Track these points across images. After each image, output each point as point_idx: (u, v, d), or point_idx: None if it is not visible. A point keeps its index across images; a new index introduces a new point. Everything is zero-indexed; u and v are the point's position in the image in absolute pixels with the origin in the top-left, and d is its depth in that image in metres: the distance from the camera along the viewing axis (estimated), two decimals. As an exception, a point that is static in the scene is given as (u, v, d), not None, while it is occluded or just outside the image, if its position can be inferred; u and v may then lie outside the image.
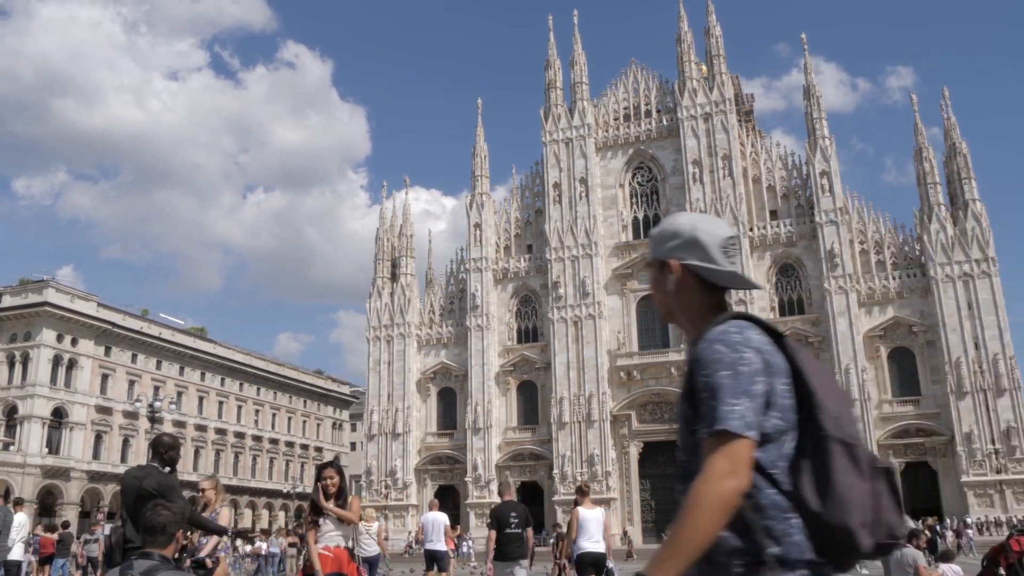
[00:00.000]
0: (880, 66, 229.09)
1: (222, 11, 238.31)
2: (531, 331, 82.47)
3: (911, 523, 16.38)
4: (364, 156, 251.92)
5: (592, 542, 13.97)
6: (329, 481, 9.18)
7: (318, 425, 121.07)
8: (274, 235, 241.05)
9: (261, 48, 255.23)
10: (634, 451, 75.61)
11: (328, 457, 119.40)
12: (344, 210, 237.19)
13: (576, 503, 14.64)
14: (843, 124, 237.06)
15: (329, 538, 9.11)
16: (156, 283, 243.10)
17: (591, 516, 14.16)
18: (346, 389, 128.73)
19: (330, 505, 9.15)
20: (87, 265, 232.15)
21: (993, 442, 66.05)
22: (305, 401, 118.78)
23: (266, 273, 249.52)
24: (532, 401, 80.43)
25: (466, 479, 78.42)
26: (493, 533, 14.61)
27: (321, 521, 9.11)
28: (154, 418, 55.65)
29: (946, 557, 14.18)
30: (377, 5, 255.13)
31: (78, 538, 26.90)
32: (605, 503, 72.59)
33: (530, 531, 14.88)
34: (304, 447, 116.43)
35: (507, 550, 14.46)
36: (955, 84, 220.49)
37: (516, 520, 14.53)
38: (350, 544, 9.26)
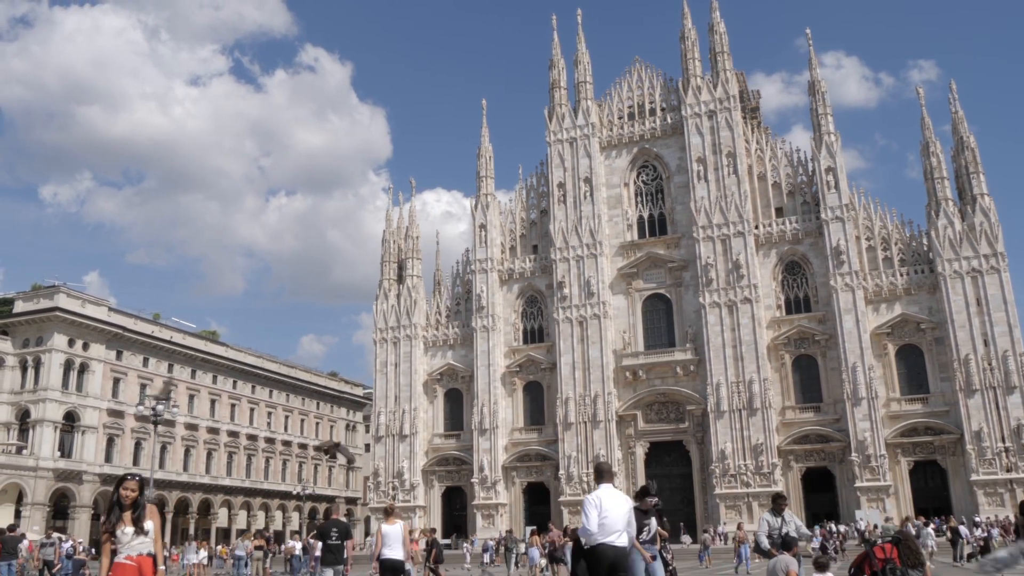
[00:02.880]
0: (902, 60, 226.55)
1: (244, 17, 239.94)
2: (537, 331, 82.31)
3: (805, 529, 16.06)
4: (385, 158, 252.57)
5: (392, 551, 17.14)
6: (129, 492, 9.22)
7: (331, 427, 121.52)
8: (297, 238, 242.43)
9: (281, 52, 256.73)
10: (640, 451, 75.25)
11: (341, 460, 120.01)
12: (366, 212, 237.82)
13: (387, 516, 18.15)
14: (866, 120, 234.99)
15: (131, 547, 9.09)
16: (181, 288, 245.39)
17: (391, 530, 17.35)
18: (359, 391, 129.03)
19: (127, 516, 9.18)
20: (112, 270, 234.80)
21: (1003, 440, 65.06)
22: (318, 403, 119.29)
23: (289, 276, 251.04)
24: (538, 402, 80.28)
25: (472, 480, 78.35)
26: (318, 543, 18.82)
27: (119, 531, 9.13)
28: (157, 420, 56.01)
29: (820, 566, 13.82)
30: (392, 6, 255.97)
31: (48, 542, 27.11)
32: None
33: (348, 543, 18.37)
34: (317, 449, 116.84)
35: (327, 557, 18.02)
36: (976, 78, 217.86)
37: (336, 534, 18.18)
38: (153, 550, 9.24)
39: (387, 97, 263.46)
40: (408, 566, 18.01)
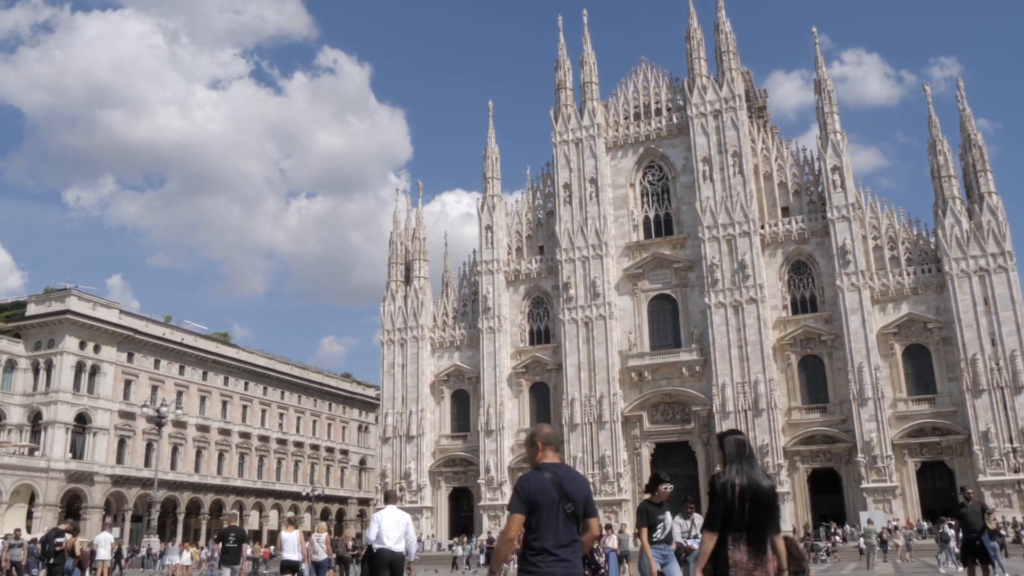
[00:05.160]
0: (923, 58, 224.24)
1: (265, 20, 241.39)
2: (543, 332, 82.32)
3: (692, 542, 16.20)
4: (405, 160, 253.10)
5: (291, 553, 21.16)
6: None
7: (343, 428, 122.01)
8: (318, 240, 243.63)
9: (300, 55, 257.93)
10: (646, 452, 75.07)
11: (353, 460, 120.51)
12: (386, 214, 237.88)
13: (294, 527, 22.37)
14: (887, 117, 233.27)
15: None
16: (202, 290, 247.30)
17: (289, 537, 21.38)
18: (372, 392, 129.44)
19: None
20: (135, 273, 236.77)
21: (1011, 441, 64.41)
22: (330, 404, 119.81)
23: (310, 278, 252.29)
24: (544, 403, 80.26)
25: (479, 481, 78.47)
26: (219, 545, 22.15)
27: None
28: (161, 422, 56.59)
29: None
30: (407, 6, 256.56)
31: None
32: (616, 505, 72.44)
33: (244, 546, 22.51)
34: (329, 450, 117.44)
35: (225, 558, 21.83)
36: (996, 75, 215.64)
37: (233, 538, 21.87)
38: None
39: (406, 98, 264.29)
40: (303, 566, 22.07)
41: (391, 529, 14.96)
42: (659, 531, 13.45)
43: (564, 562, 6.63)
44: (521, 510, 6.72)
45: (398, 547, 14.91)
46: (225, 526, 22.82)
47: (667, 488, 13.47)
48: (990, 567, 19.07)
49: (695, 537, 15.14)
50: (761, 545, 6.89)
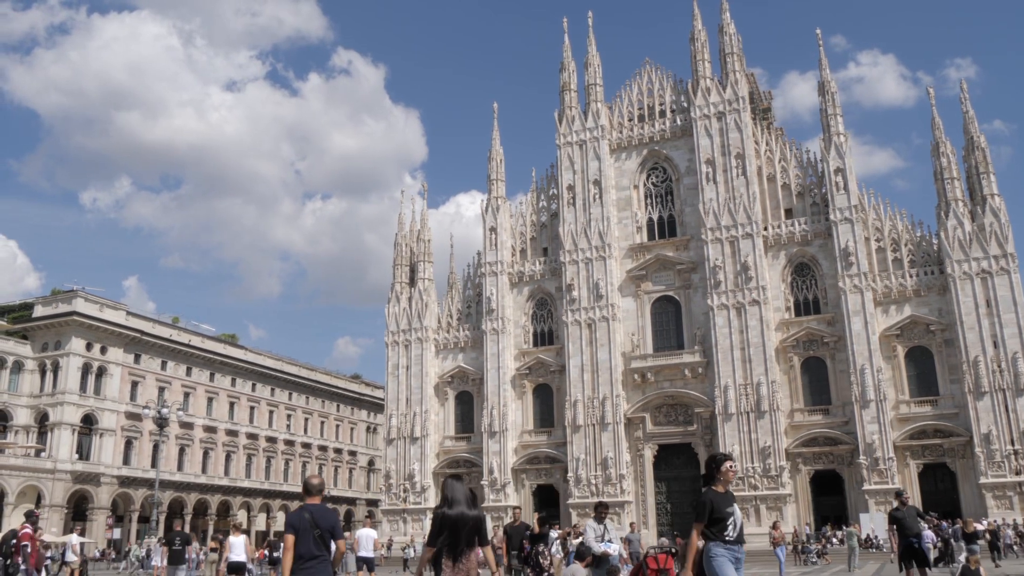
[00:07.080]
0: (939, 59, 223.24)
1: (282, 22, 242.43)
2: (547, 334, 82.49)
3: (618, 543, 16.54)
4: (420, 160, 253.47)
5: (236, 556, 23.84)
6: None
7: (352, 429, 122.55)
8: (333, 241, 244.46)
9: (315, 56, 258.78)
10: (648, 453, 75.19)
11: (361, 461, 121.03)
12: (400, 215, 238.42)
13: (238, 533, 25.18)
14: (903, 119, 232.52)
15: None
16: (218, 291, 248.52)
17: (236, 541, 24.05)
18: (380, 393, 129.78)
19: None
20: (151, 275, 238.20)
21: (1012, 443, 64.17)
22: (338, 405, 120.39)
23: (325, 279, 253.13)
24: (548, 404, 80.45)
25: (482, 483, 78.67)
26: (165, 548, 24.99)
27: None
28: (163, 423, 57.06)
29: (581, 555, 14.59)
30: (421, 7, 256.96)
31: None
32: (619, 507, 72.55)
33: (190, 547, 25.73)
34: (337, 451, 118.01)
35: (173, 559, 24.76)
36: (1013, 75, 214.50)
37: (179, 541, 25.14)
38: None
39: (420, 99, 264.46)
40: (250, 566, 25.45)
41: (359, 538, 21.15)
42: (730, 528, 10.06)
43: (311, 569, 10.01)
44: (291, 532, 10.13)
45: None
46: (171, 531, 25.89)
47: (731, 466, 10.37)
48: (927, 569, 19.34)
49: (608, 542, 15.47)
50: (463, 556, 9.75)
